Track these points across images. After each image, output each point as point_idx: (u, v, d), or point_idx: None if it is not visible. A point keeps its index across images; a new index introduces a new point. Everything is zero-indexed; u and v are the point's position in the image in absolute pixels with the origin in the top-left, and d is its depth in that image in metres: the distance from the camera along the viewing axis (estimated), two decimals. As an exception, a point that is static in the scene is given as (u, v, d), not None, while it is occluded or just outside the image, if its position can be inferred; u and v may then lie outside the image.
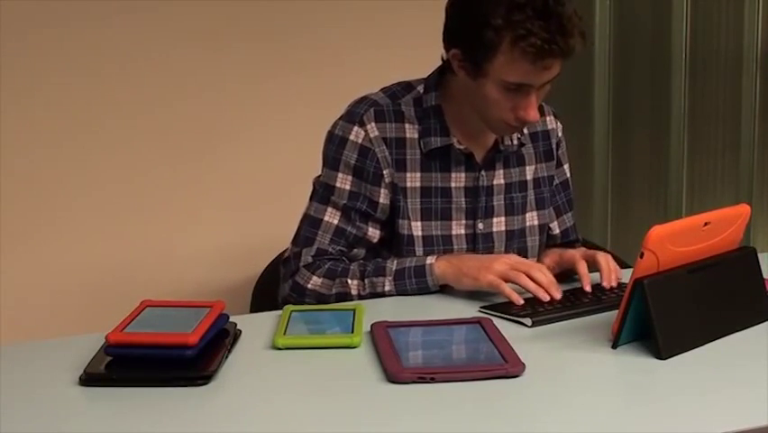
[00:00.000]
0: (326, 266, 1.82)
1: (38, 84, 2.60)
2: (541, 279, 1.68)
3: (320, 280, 1.82)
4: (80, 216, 2.68)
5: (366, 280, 1.79)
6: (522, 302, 1.66)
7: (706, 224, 1.48)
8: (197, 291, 2.71)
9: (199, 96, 2.75)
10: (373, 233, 1.86)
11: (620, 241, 3.39)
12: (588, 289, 1.72)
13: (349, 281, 1.79)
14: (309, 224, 1.87)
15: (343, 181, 1.84)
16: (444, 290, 1.83)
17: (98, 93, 2.65)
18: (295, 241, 1.89)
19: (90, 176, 2.68)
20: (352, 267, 1.81)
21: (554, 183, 2.02)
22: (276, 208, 2.74)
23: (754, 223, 3.39)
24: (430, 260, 1.78)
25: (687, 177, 3.44)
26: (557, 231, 2.04)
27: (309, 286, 1.82)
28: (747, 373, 1.37)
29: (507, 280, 1.70)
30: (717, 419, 1.22)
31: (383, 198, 1.84)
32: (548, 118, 2.00)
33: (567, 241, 2.05)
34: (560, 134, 2.02)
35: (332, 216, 1.85)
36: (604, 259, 1.78)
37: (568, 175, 2.06)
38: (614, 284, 1.74)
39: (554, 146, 1.99)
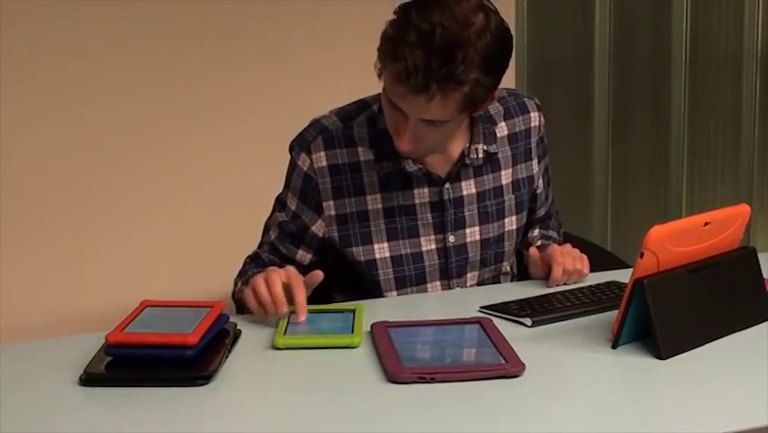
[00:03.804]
0: (247, 267, 1.85)
1: (38, 88, 2.60)
2: (272, 289, 1.59)
3: (236, 277, 1.86)
4: (80, 215, 2.68)
5: (239, 285, 1.80)
6: (260, 314, 1.60)
7: (706, 224, 1.48)
8: (197, 291, 2.71)
9: (199, 98, 2.75)
10: (302, 256, 1.85)
11: (620, 241, 3.39)
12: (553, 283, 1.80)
13: (239, 283, 1.81)
14: (263, 234, 1.92)
15: (291, 201, 1.84)
16: (444, 290, 1.84)
17: (98, 95, 2.66)
18: None
19: (90, 176, 2.68)
20: (250, 270, 1.81)
21: (543, 171, 1.97)
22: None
23: (754, 223, 3.40)
24: (257, 270, 1.75)
25: (687, 177, 3.44)
26: (542, 213, 2.02)
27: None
28: (747, 374, 1.37)
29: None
30: (717, 419, 1.22)
31: (318, 228, 1.82)
32: (531, 115, 1.92)
33: (546, 217, 2.05)
34: (542, 128, 1.94)
35: (273, 232, 1.87)
36: (557, 265, 1.80)
37: (549, 159, 2.02)
38: (566, 280, 1.81)
39: (534, 144, 1.93)
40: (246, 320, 1.61)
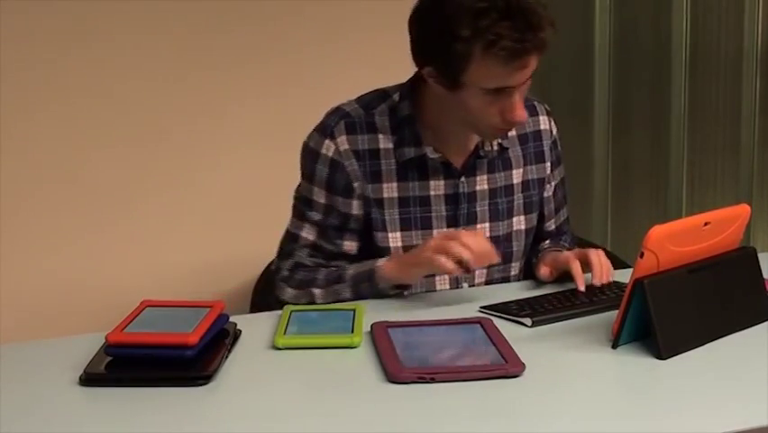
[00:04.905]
0: (299, 277, 1.83)
1: (39, 81, 2.60)
2: (471, 243, 1.66)
3: (293, 291, 1.83)
4: (80, 216, 2.68)
5: (329, 289, 1.79)
6: (458, 272, 1.67)
7: (706, 224, 1.48)
8: (197, 292, 2.71)
9: (200, 99, 2.75)
10: (350, 246, 1.85)
11: (620, 241, 3.39)
12: (582, 289, 1.71)
13: (314, 291, 1.80)
14: (289, 239, 1.88)
15: (319, 195, 1.83)
16: (444, 289, 1.83)
17: (96, 96, 2.65)
18: (278, 255, 1.90)
19: (90, 177, 2.68)
20: (319, 277, 1.81)
21: (557, 181, 1.99)
22: (275, 209, 2.73)
23: (754, 223, 3.39)
24: (379, 262, 1.76)
25: (687, 177, 3.44)
26: (553, 227, 2.02)
27: (286, 298, 1.83)
28: (747, 373, 1.37)
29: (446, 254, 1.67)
30: (717, 419, 1.22)
31: (356, 209, 1.82)
32: (541, 118, 1.95)
33: (559, 233, 2.04)
34: (555, 133, 1.98)
35: (308, 233, 1.85)
36: (596, 257, 1.76)
37: (564, 171, 2.04)
38: (605, 281, 1.73)
39: (547, 147, 1.95)
40: (246, 320, 1.61)
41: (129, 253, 2.74)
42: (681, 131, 3.40)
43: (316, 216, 1.84)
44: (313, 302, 1.80)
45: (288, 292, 1.83)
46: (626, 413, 1.27)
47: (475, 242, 1.68)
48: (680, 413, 1.24)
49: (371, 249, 1.84)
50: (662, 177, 3.44)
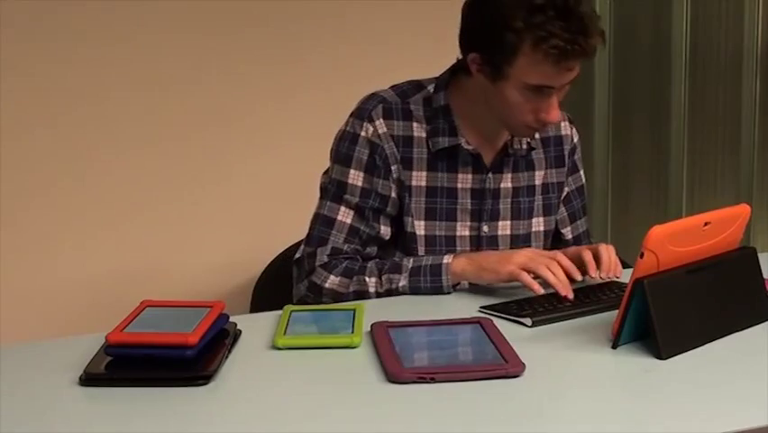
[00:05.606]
0: (343, 265, 1.82)
1: (39, 89, 2.60)
2: (558, 273, 1.68)
3: (337, 279, 1.81)
4: (81, 216, 2.68)
5: (383, 278, 1.79)
6: (542, 292, 1.67)
7: (706, 224, 1.48)
8: (197, 292, 2.71)
9: (199, 100, 2.75)
10: (385, 231, 1.86)
11: (620, 241, 3.38)
12: (593, 275, 1.73)
13: (367, 279, 1.79)
14: (323, 223, 1.86)
15: (356, 178, 1.84)
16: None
17: (99, 95, 2.66)
18: (308, 241, 1.88)
19: (91, 176, 2.68)
20: (369, 265, 1.81)
21: (571, 188, 2.01)
22: (276, 209, 2.74)
23: (754, 223, 3.39)
24: (447, 259, 1.77)
25: (687, 177, 3.44)
26: (570, 237, 2.02)
27: (326, 285, 1.81)
28: (747, 374, 1.37)
29: (527, 272, 1.70)
30: (717, 419, 1.22)
31: (394, 192, 1.84)
32: (562, 124, 1.98)
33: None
34: (575, 140, 2.01)
35: (345, 216, 1.85)
36: (606, 252, 1.76)
37: (583, 181, 2.05)
38: (611, 276, 1.74)
39: (567, 153, 1.98)
40: (246, 320, 1.61)
41: (129, 253, 2.74)
42: (681, 131, 3.40)
43: (354, 198, 1.84)
44: (365, 290, 1.78)
45: (332, 279, 1.81)
46: (626, 413, 1.27)
47: (560, 271, 1.68)
48: (680, 413, 1.24)
49: (399, 236, 1.86)
50: (663, 177, 3.44)
